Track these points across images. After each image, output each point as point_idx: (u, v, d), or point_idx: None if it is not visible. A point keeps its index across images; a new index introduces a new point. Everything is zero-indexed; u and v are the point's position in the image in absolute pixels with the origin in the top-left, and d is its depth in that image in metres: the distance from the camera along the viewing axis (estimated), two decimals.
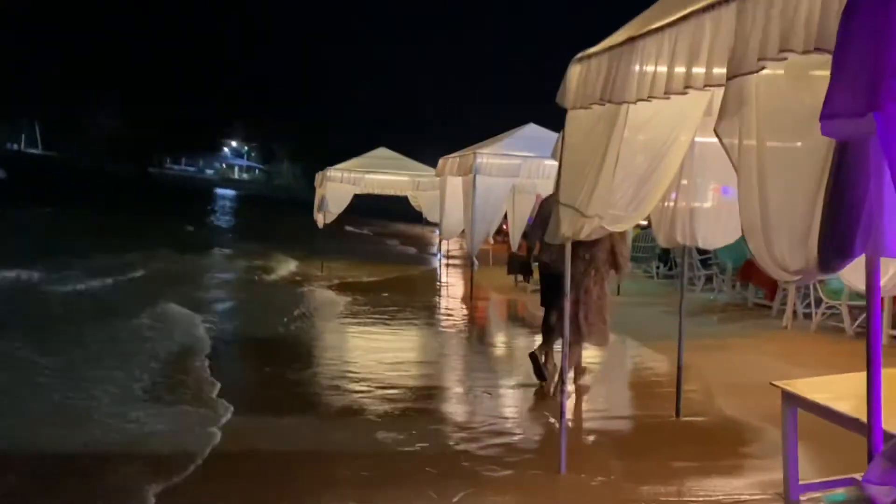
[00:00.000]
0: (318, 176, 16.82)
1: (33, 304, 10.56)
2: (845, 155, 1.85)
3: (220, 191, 74.84)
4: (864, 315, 8.26)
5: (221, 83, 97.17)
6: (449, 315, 11.58)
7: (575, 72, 3.88)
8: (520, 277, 13.84)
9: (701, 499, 4.13)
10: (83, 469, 4.40)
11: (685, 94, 2.75)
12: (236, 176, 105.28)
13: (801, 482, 3.33)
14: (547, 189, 8.49)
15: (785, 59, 2.12)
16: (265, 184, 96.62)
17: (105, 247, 17.33)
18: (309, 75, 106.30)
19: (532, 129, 12.31)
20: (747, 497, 4.13)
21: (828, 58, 2.02)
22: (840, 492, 3.46)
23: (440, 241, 18.10)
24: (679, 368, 5.57)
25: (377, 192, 16.96)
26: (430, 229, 24.79)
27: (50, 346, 7.59)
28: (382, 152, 17.09)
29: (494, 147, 12.12)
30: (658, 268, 15.53)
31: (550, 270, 6.24)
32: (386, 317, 10.55)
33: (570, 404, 5.96)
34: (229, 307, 11.59)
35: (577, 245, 5.76)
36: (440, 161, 13.78)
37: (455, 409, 6.13)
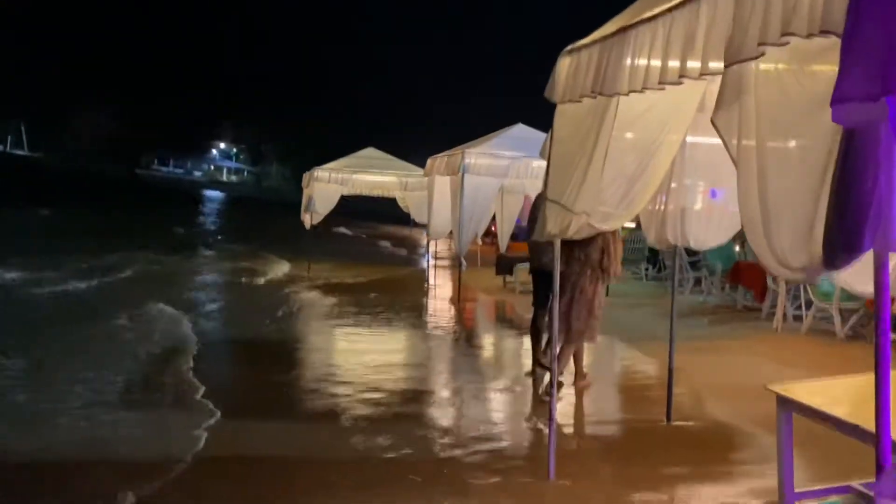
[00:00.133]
0: (306, 176, 16.67)
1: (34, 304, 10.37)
2: (853, 143, 1.73)
3: (208, 192, 74.38)
4: (855, 317, 8.18)
5: (215, 83, 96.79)
6: (436, 316, 11.44)
7: (564, 64, 3.76)
8: (509, 278, 13.74)
9: None
10: (59, 473, 4.25)
11: (680, 83, 2.62)
12: (224, 178, 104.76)
13: (796, 490, 3.21)
14: (535, 189, 8.39)
15: (787, 43, 2.00)
16: (254, 185, 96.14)
17: (104, 247, 17.31)
18: (308, 75, 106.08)
19: (521, 130, 12.22)
20: None
21: (830, 42, 1.91)
22: (836, 499, 3.36)
23: (428, 242, 17.96)
24: (670, 372, 5.46)
25: (364, 192, 16.81)
26: (419, 231, 24.66)
27: (30, 347, 7.41)
28: (370, 152, 16.95)
29: (483, 146, 12.01)
30: (647, 269, 15.47)
31: (546, 269, 6.15)
32: (372, 318, 10.41)
33: (559, 408, 5.83)
34: (214, 308, 11.41)
35: (573, 245, 5.67)
36: (428, 160, 13.65)
37: (441, 413, 5.99)
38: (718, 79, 2.47)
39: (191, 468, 4.38)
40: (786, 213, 2.09)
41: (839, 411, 2.76)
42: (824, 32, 1.83)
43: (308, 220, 16.45)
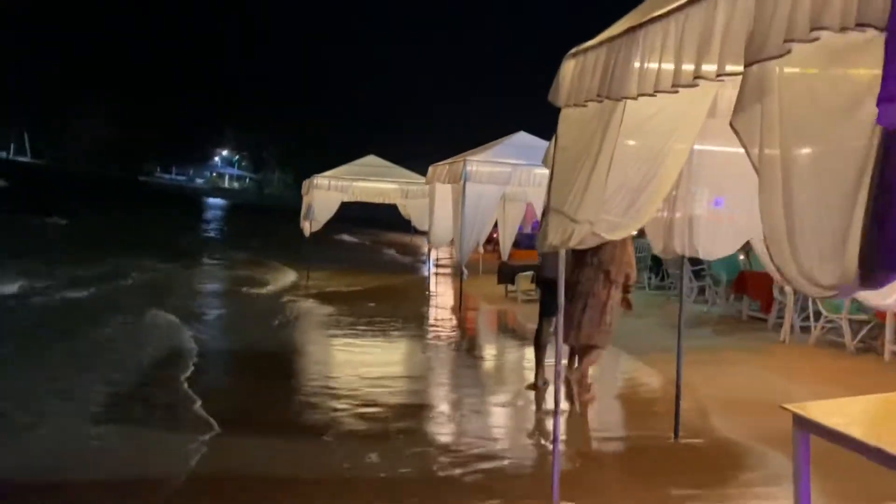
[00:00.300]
0: (305, 184, 16.51)
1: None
2: (895, 148, 1.55)
3: (210, 200, 74.31)
4: (866, 329, 7.98)
5: (215, 83, 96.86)
6: (437, 326, 11.24)
7: (569, 67, 3.58)
8: (510, 287, 13.55)
9: None
10: (42, 493, 4.07)
11: (695, 85, 2.43)
12: (226, 185, 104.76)
13: None
14: (538, 197, 8.24)
15: (817, 38, 1.81)
16: (256, 193, 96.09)
17: (108, 254, 17.18)
18: (308, 75, 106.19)
19: (523, 137, 12.10)
20: None
21: (864, 37, 1.73)
22: None
23: (429, 250, 17.79)
24: (678, 387, 5.26)
25: (365, 200, 16.65)
26: (420, 238, 24.50)
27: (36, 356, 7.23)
28: (371, 160, 16.82)
29: (485, 154, 11.88)
30: (650, 278, 15.29)
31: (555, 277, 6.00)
32: (372, 328, 10.21)
33: (563, 422, 5.64)
34: (213, 317, 11.23)
35: (584, 250, 5.50)
36: (430, 168, 13.53)
37: (440, 429, 5.78)
38: (732, 82, 2.29)
39: (183, 487, 4.19)
40: (814, 226, 1.90)
41: (857, 431, 2.64)
42: (861, 26, 1.65)
43: (307, 227, 16.29)
